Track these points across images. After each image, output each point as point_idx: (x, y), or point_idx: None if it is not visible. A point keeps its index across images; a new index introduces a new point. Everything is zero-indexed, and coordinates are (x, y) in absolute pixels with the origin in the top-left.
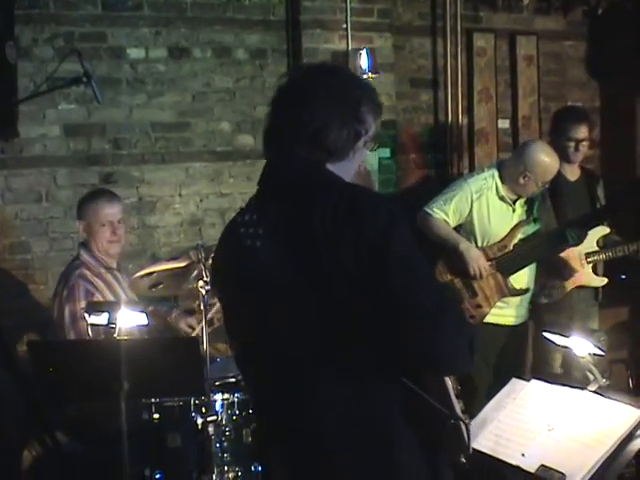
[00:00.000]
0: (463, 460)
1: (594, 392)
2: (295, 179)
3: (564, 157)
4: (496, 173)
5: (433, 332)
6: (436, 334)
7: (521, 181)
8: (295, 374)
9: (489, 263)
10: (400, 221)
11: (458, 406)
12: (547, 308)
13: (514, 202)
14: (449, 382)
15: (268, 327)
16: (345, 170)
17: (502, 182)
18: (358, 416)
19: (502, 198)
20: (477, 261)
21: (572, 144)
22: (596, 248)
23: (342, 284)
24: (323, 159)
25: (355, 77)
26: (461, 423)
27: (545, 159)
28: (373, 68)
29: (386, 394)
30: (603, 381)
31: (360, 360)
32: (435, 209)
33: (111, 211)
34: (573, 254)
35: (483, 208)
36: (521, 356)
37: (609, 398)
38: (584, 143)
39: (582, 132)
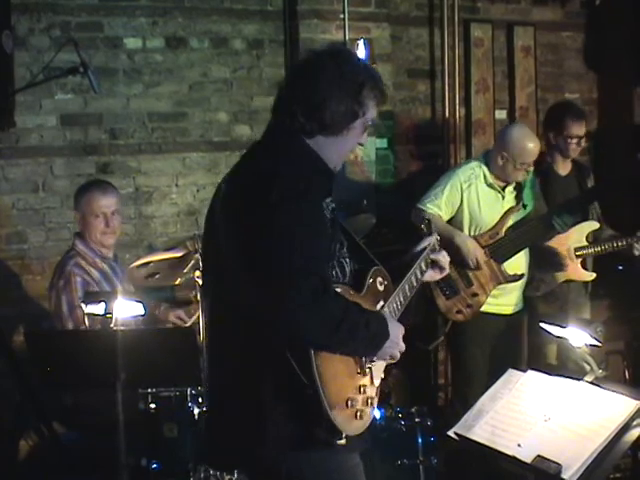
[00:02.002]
0: (342, 442)
1: (590, 383)
2: (269, 143)
3: (562, 153)
4: (483, 161)
5: (284, 294)
6: (286, 299)
7: (499, 162)
8: (216, 343)
9: (483, 251)
10: (294, 202)
11: (319, 380)
12: (539, 299)
13: (503, 189)
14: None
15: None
16: (337, 145)
17: (489, 170)
18: (240, 386)
19: (491, 185)
20: (474, 252)
21: (574, 141)
22: (585, 243)
23: (239, 251)
24: (316, 130)
25: (363, 63)
26: (322, 396)
27: (521, 139)
28: (370, 58)
29: (265, 366)
30: (599, 372)
31: (251, 332)
32: (428, 204)
33: (105, 202)
34: (562, 248)
35: (473, 197)
36: (518, 346)
37: (605, 389)
38: (584, 139)
39: (582, 129)
